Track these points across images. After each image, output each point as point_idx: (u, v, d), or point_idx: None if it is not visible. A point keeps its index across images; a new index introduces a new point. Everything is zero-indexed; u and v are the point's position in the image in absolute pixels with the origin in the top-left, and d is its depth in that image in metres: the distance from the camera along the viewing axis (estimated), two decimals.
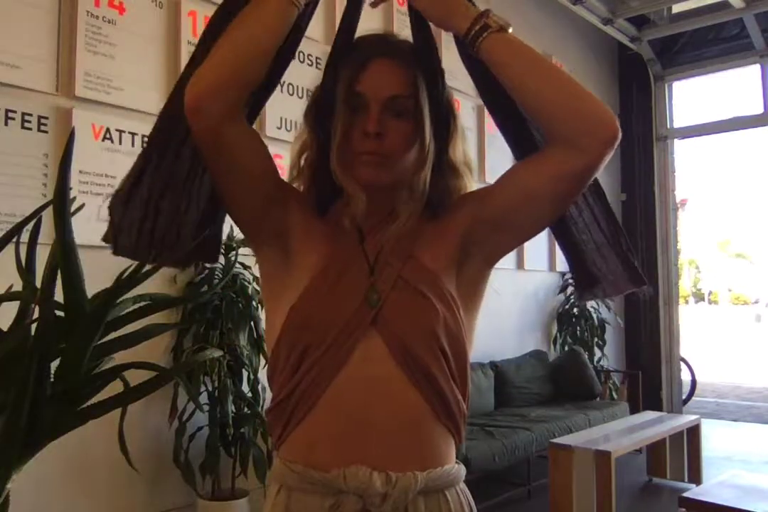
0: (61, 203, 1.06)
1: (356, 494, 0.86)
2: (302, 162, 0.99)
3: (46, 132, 2.48)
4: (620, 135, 0.86)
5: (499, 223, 0.94)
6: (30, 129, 2.44)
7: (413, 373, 0.88)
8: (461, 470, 0.96)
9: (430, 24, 0.96)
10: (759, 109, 5.47)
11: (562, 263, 4.86)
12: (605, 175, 5.63)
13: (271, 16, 0.87)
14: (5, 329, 1.14)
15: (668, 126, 5.94)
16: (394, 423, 0.88)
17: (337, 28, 0.99)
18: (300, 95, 3.35)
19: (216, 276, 2.83)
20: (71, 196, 1.13)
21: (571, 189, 0.92)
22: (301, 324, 0.90)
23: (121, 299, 1.19)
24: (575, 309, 5.16)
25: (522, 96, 0.89)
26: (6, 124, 2.38)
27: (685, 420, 3.98)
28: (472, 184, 1.01)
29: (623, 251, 1.04)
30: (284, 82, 3.16)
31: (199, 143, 0.90)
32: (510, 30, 0.89)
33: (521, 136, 1.00)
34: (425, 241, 0.95)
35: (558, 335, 5.17)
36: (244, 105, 0.89)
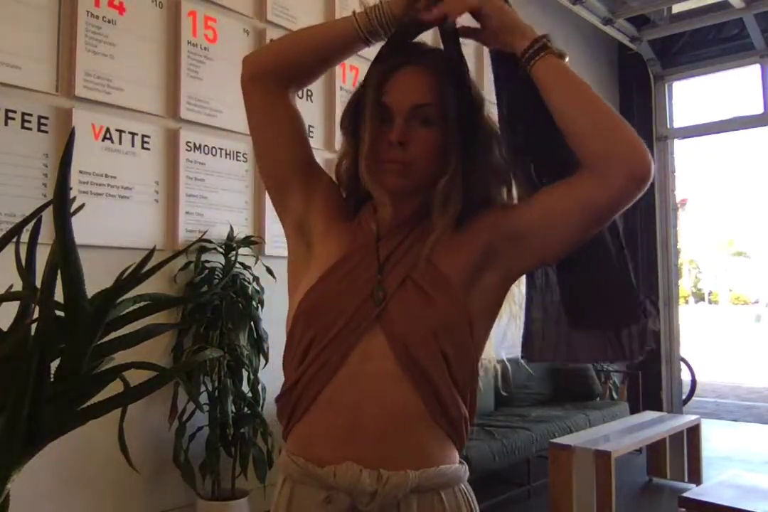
0: (61, 203, 1.06)
1: (345, 491, 0.88)
2: (341, 169, 1.03)
3: (46, 132, 2.48)
4: (651, 175, 0.88)
5: (519, 240, 0.94)
6: (30, 129, 2.44)
7: (412, 373, 0.89)
8: (461, 470, 0.95)
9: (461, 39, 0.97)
10: (759, 109, 5.47)
11: None
12: None
13: (335, 40, 0.98)
14: (5, 329, 1.14)
15: (668, 126, 5.94)
16: (387, 421, 0.89)
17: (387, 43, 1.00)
18: (300, 95, 3.34)
19: (216, 276, 2.83)
20: (71, 196, 1.13)
21: (593, 221, 0.93)
22: (310, 314, 0.93)
23: (121, 299, 1.19)
24: None
25: (561, 120, 0.91)
26: (6, 124, 2.38)
27: (685, 420, 3.97)
28: (502, 194, 1.00)
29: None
30: None
31: (245, 96, 1.00)
32: (566, 59, 0.92)
33: (545, 158, 0.99)
34: (444, 246, 0.95)
35: None
36: (280, 84, 0.99)
